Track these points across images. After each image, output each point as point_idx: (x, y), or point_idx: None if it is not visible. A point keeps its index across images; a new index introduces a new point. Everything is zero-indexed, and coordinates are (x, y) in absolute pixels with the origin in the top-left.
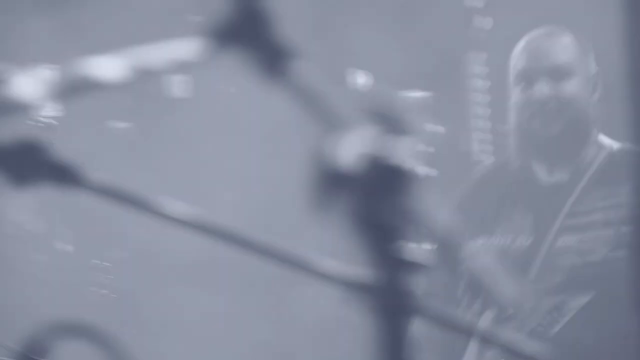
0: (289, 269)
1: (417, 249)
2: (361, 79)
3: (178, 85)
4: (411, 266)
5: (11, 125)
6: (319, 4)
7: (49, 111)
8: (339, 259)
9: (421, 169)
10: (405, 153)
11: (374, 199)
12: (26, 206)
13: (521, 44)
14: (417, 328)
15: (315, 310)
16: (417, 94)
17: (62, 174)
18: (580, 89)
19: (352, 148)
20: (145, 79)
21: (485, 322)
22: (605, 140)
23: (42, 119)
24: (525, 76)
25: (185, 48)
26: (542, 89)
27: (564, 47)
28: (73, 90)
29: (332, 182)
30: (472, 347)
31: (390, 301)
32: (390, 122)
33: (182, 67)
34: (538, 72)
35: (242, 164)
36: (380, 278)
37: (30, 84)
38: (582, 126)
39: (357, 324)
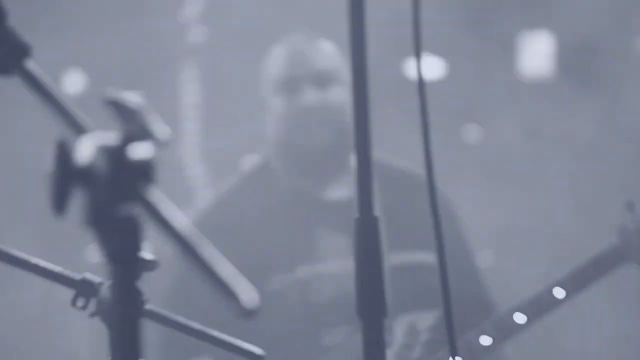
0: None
1: (149, 249)
2: (76, 79)
3: None
4: (142, 264)
5: None
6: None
7: None
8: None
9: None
10: (143, 153)
11: (110, 197)
12: None
13: (279, 51)
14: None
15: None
16: (130, 97)
17: None
18: (345, 97)
19: (90, 147)
20: None
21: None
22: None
23: None
24: (289, 84)
25: None
26: (308, 96)
27: (326, 52)
28: None
29: (70, 180)
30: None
31: (119, 300)
32: (129, 123)
33: None
34: (303, 79)
35: None
36: (113, 275)
37: None
38: (349, 137)
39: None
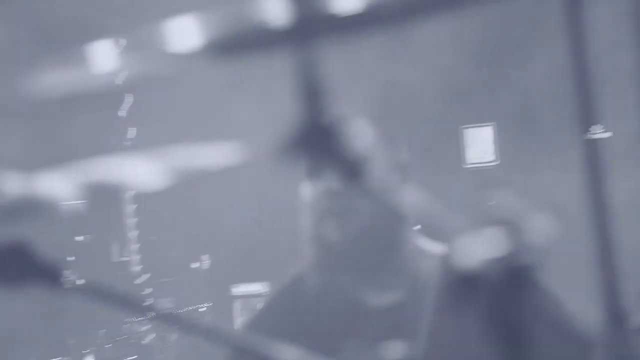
0: None
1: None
2: None
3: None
4: None
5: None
6: None
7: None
8: None
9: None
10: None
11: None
12: None
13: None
14: None
15: None
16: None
17: (49, 275)
18: (382, 181)
19: (478, 251)
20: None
21: None
22: (427, 243)
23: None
24: (313, 169)
25: (225, 150)
26: (331, 182)
27: (357, 131)
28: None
29: (464, 284)
30: None
31: None
32: (511, 225)
33: (219, 171)
34: (324, 158)
35: None
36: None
37: (58, 183)
38: (389, 226)
39: None
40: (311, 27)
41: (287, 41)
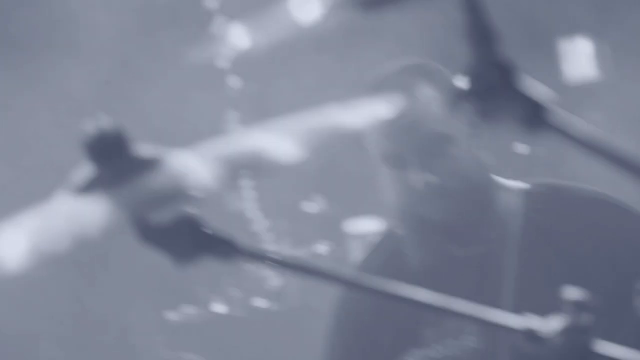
0: None
1: None
2: None
3: None
4: None
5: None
6: None
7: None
8: None
9: None
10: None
11: None
12: None
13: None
14: None
15: None
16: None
17: (222, 247)
18: (463, 155)
19: None
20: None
21: None
22: (504, 182)
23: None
24: (391, 155)
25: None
26: (416, 173)
27: (436, 113)
28: (240, 170)
29: None
30: None
31: None
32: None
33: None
34: (405, 149)
35: None
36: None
37: (194, 167)
38: (478, 194)
39: None
40: None
41: None
